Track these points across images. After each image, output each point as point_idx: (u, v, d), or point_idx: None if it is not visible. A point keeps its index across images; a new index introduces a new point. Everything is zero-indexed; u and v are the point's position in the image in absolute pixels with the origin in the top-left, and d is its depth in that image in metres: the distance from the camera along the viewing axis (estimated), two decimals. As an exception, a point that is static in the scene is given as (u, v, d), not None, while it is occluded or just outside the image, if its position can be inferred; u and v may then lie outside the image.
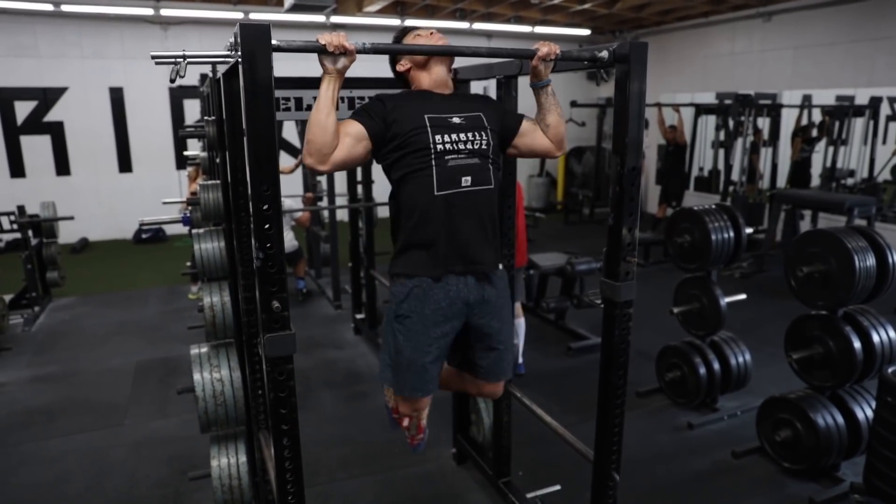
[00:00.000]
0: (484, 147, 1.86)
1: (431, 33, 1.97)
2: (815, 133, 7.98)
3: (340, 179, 5.93)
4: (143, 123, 8.94)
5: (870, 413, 2.94)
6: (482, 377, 2.07)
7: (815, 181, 8.37)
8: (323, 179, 6.52)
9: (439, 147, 1.80)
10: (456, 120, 1.85)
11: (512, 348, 2.07)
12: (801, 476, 3.08)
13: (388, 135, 1.81)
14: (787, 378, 3.35)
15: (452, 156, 1.81)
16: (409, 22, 9.02)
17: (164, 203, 4.20)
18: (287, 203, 5.79)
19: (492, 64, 2.43)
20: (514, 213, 2.65)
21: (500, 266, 2.00)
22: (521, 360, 4.21)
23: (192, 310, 5.62)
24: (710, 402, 3.75)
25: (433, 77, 1.94)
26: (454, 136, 1.82)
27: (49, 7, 7.65)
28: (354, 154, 1.78)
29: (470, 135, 1.85)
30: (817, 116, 8.35)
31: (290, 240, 5.78)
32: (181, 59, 1.45)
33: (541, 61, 1.79)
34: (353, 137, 1.77)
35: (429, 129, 1.81)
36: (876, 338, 2.93)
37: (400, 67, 2.00)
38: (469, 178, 1.82)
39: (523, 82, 2.12)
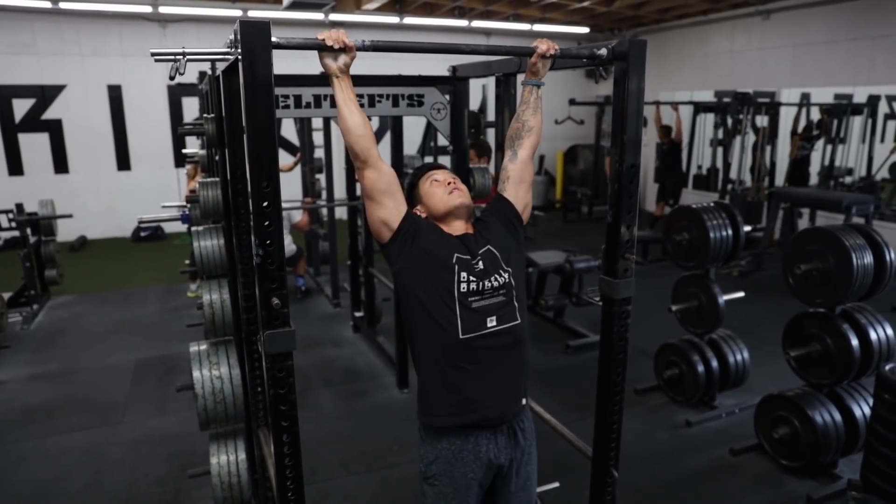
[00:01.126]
0: (506, 282, 1.76)
1: (449, 183, 1.85)
2: (815, 132, 7.99)
3: (339, 180, 5.93)
4: (142, 121, 8.93)
5: (867, 410, 2.95)
6: None
7: (815, 179, 8.38)
8: (321, 177, 6.53)
9: (463, 287, 1.70)
10: (480, 266, 1.74)
11: (535, 495, 1.94)
12: (799, 473, 3.09)
13: (414, 236, 1.73)
14: (785, 376, 3.36)
15: (476, 298, 1.71)
16: (408, 20, 9.01)
17: (164, 207, 4.20)
18: (285, 212, 5.77)
19: (491, 62, 2.43)
20: None
21: (524, 401, 1.85)
22: None
23: (191, 307, 5.63)
24: (709, 399, 3.76)
25: (451, 227, 1.83)
26: (476, 277, 1.72)
27: (47, 4, 7.64)
28: (388, 189, 1.71)
29: (492, 273, 1.74)
30: (816, 115, 8.35)
31: (288, 244, 5.75)
32: (181, 57, 1.45)
33: (540, 58, 1.78)
34: (399, 195, 1.73)
35: (455, 263, 1.72)
36: (873, 335, 2.94)
37: (417, 211, 1.86)
38: (494, 319, 1.72)
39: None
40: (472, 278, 1.71)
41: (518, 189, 1.89)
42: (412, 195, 1.92)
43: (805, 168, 8.02)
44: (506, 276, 1.76)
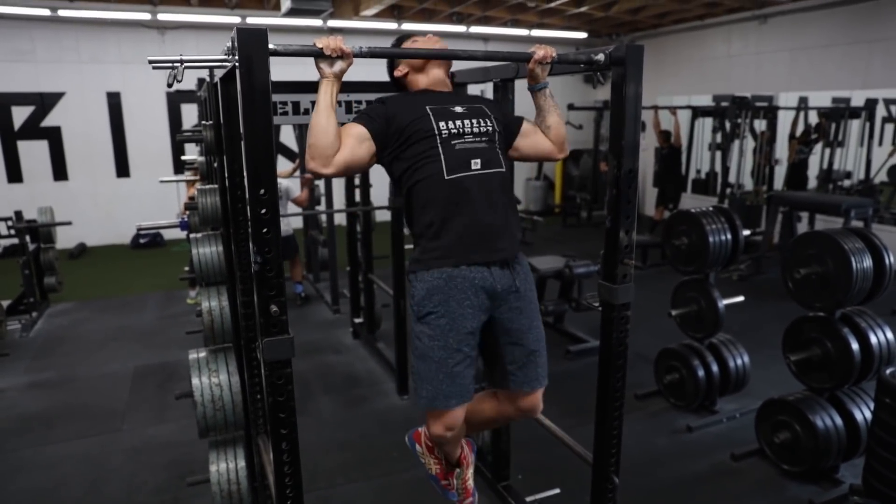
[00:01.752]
0: (490, 131, 1.82)
1: (429, 37, 1.95)
2: (814, 135, 8.00)
3: (338, 184, 5.93)
4: (141, 128, 8.94)
5: (868, 415, 2.94)
6: (516, 386, 1.86)
7: (813, 182, 8.39)
8: (321, 183, 6.53)
9: (444, 132, 1.76)
10: (458, 109, 1.82)
11: (545, 350, 1.89)
12: (801, 478, 3.08)
13: (390, 131, 1.77)
14: (785, 380, 3.36)
15: (458, 140, 1.76)
16: (406, 26, 9.04)
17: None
18: (284, 184, 5.73)
19: (489, 67, 2.43)
20: None
21: (519, 255, 1.87)
22: None
23: (190, 314, 5.62)
24: (709, 404, 3.75)
25: (431, 78, 1.92)
26: (458, 122, 1.78)
27: (46, 12, 7.66)
28: (358, 156, 1.74)
29: (474, 121, 1.81)
30: (814, 118, 8.37)
31: (284, 223, 5.58)
32: (178, 64, 1.46)
33: (537, 64, 1.79)
34: (356, 139, 1.74)
35: (431, 116, 1.77)
36: (874, 339, 2.94)
37: (397, 73, 1.97)
38: (479, 161, 1.76)
39: (520, 86, 2.13)
40: (451, 124, 1.77)
41: (528, 137, 1.96)
42: (393, 60, 1.98)
43: (803, 172, 8.04)
44: (489, 127, 1.82)
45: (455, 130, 1.77)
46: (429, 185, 1.74)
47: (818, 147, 8.19)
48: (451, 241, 1.74)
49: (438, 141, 1.75)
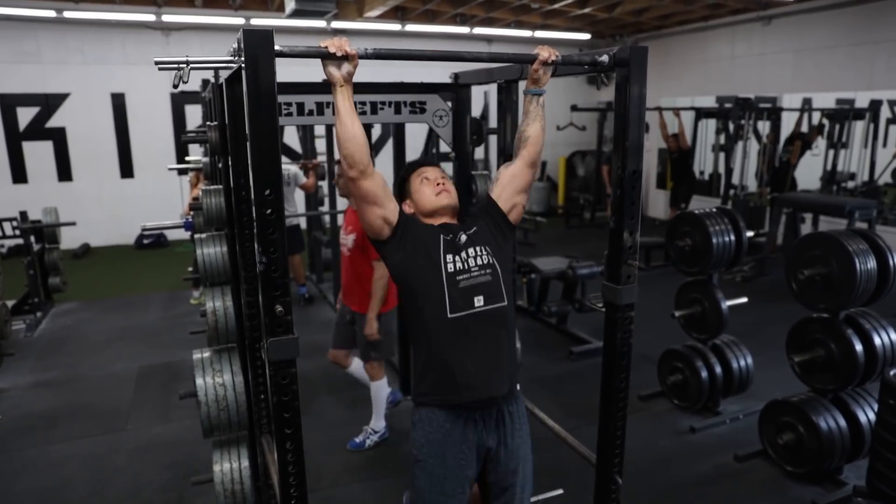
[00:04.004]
0: (492, 261, 1.85)
1: (439, 183, 1.95)
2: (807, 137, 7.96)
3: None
4: (145, 129, 8.97)
5: (872, 416, 2.94)
6: None
7: (809, 185, 8.35)
8: (324, 184, 6.54)
9: (450, 267, 1.80)
10: (463, 238, 1.86)
11: (531, 483, 1.99)
12: (804, 479, 3.07)
13: (407, 230, 1.83)
14: (789, 381, 3.35)
15: (463, 276, 1.80)
16: (410, 27, 9.05)
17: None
18: (292, 170, 5.73)
19: (492, 69, 2.44)
20: None
21: (518, 387, 1.95)
22: (367, 441, 3.49)
23: (194, 315, 5.63)
24: (713, 405, 3.74)
25: (438, 221, 1.93)
26: (463, 255, 1.82)
27: (51, 13, 7.69)
28: (385, 196, 1.78)
29: (478, 248, 1.84)
30: (815, 120, 8.35)
31: (290, 211, 5.60)
32: (184, 65, 1.46)
33: (541, 65, 1.79)
34: (385, 192, 1.78)
35: (441, 247, 1.82)
36: (878, 340, 2.93)
37: (405, 207, 1.96)
38: (482, 298, 1.80)
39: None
40: (457, 258, 1.81)
41: (504, 190, 1.95)
42: (402, 189, 2.00)
43: (788, 174, 7.96)
44: (489, 257, 1.85)
45: (461, 265, 1.81)
46: (431, 316, 1.79)
47: (822, 148, 8.16)
48: (453, 383, 1.79)
49: (444, 275, 1.79)
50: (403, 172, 2.04)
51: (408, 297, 1.86)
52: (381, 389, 3.47)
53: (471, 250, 1.83)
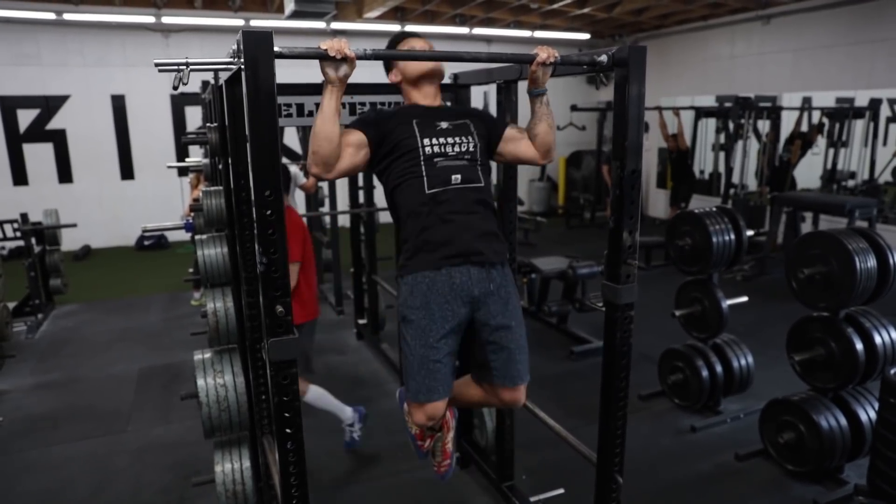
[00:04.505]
0: (471, 149, 1.92)
1: (425, 41, 2.02)
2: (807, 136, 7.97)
3: (342, 185, 5.94)
4: (145, 130, 8.98)
5: (873, 415, 2.94)
6: (497, 381, 1.96)
7: (806, 183, 8.35)
8: (325, 185, 6.54)
9: (427, 150, 1.87)
10: (443, 125, 1.93)
11: (526, 349, 1.98)
12: (805, 478, 3.07)
13: (382, 140, 1.88)
14: (789, 380, 3.35)
15: (440, 158, 1.87)
16: (410, 28, 9.05)
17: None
18: (292, 170, 5.74)
19: (492, 69, 2.44)
20: (513, 215, 2.64)
21: (503, 262, 1.97)
22: (353, 434, 3.42)
23: (195, 316, 5.63)
24: (713, 404, 3.74)
25: (422, 91, 2.01)
26: (441, 140, 1.89)
27: (51, 15, 7.70)
28: (357, 162, 1.86)
29: (457, 138, 1.91)
30: (817, 119, 8.35)
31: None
32: (184, 67, 1.47)
33: (540, 66, 1.79)
34: (355, 146, 1.85)
35: (417, 132, 1.89)
36: (878, 339, 2.94)
37: (391, 78, 2.05)
38: (458, 177, 1.88)
39: (524, 87, 2.14)
40: (434, 142, 1.88)
41: (507, 144, 2.03)
42: (388, 62, 2.04)
43: (787, 173, 7.96)
44: (471, 146, 1.92)
45: (438, 149, 1.88)
46: (411, 198, 1.87)
47: (822, 147, 8.16)
48: (432, 245, 1.86)
49: (422, 158, 1.87)
50: (391, 41, 2.08)
51: (392, 190, 1.92)
52: (315, 392, 3.32)
53: (451, 138, 1.90)
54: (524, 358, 1.98)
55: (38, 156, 8.55)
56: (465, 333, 1.96)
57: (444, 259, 1.84)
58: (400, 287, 1.94)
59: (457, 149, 1.89)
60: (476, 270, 1.87)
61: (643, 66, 1.70)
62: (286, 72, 1.79)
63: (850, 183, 8.44)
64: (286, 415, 1.54)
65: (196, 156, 6.17)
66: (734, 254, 3.60)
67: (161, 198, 8.84)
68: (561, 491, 2.72)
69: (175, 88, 1.49)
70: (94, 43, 8.49)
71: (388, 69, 2.05)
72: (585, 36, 10.33)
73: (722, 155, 8.49)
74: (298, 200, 6.29)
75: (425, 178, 1.85)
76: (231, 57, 1.53)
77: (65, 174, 8.74)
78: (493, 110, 2.69)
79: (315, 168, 1.75)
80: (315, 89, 2.44)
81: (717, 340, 3.74)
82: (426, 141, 1.87)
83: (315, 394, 3.33)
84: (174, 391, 4.14)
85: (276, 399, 1.53)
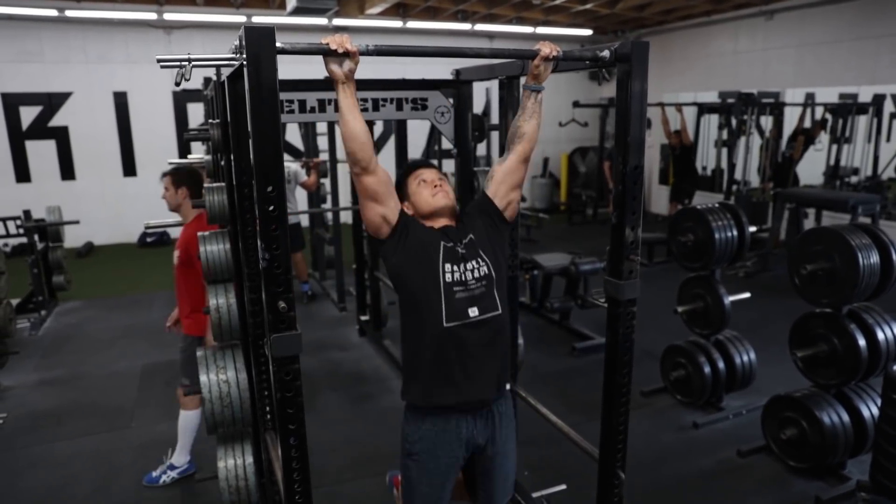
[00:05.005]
0: (487, 273, 1.86)
1: (436, 185, 1.93)
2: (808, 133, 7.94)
3: (344, 183, 5.94)
4: (148, 127, 8.98)
5: (875, 411, 2.94)
6: (482, 501, 2.09)
7: (811, 179, 8.33)
8: (326, 182, 6.54)
9: (448, 277, 1.81)
10: (461, 250, 1.86)
11: (513, 476, 2.09)
12: (807, 474, 3.08)
13: (404, 229, 1.83)
14: (792, 376, 3.35)
15: (460, 287, 1.81)
16: (412, 24, 9.04)
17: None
18: (292, 168, 5.73)
19: (494, 65, 2.44)
20: None
21: (507, 386, 2.01)
22: (164, 475, 3.14)
23: (198, 312, 5.64)
24: (715, 401, 3.75)
25: (437, 222, 1.92)
26: (461, 266, 1.83)
27: (54, 13, 7.71)
28: (387, 192, 1.80)
29: (473, 262, 1.85)
30: (820, 115, 8.33)
31: (290, 209, 5.57)
32: (186, 63, 1.47)
33: (542, 61, 1.78)
34: (389, 188, 1.81)
35: (441, 254, 1.83)
36: (881, 335, 2.93)
37: (404, 208, 1.94)
38: (476, 309, 1.81)
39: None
40: (455, 269, 1.82)
41: (499, 188, 1.96)
42: (399, 191, 1.99)
43: (791, 169, 7.94)
44: (485, 267, 1.87)
45: (458, 277, 1.82)
46: (427, 325, 1.81)
47: (825, 144, 8.14)
48: (443, 391, 1.83)
49: (442, 285, 1.80)
50: (400, 175, 2.05)
51: (405, 300, 1.88)
52: (191, 421, 3.15)
53: (469, 263, 1.84)
54: (510, 485, 2.09)
55: (41, 153, 8.56)
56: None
57: (453, 411, 1.86)
58: (406, 420, 1.93)
59: (476, 273, 1.84)
60: (482, 421, 1.91)
61: (646, 61, 1.69)
62: (288, 68, 1.79)
63: (854, 179, 8.42)
64: (289, 411, 1.55)
65: (198, 152, 6.17)
66: (736, 250, 3.60)
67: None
68: (563, 487, 2.72)
69: (177, 84, 1.49)
70: (96, 40, 8.49)
71: (401, 198, 1.95)
72: (588, 32, 10.30)
73: (724, 151, 8.47)
74: (300, 198, 6.29)
75: (444, 308, 1.79)
76: (233, 53, 1.52)
77: (67, 171, 8.76)
78: (494, 107, 2.68)
79: (355, 168, 1.71)
80: (317, 85, 2.44)
81: (720, 337, 3.74)
82: (447, 266, 1.82)
83: (190, 417, 3.15)
84: (177, 388, 4.15)
85: (278, 395, 1.53)
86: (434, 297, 1.79)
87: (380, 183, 1.76)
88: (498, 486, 2.03)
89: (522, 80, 2.12)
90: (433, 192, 1.93)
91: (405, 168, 2.06)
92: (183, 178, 3.31)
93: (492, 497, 2.05)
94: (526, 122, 1.91)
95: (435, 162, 7.26)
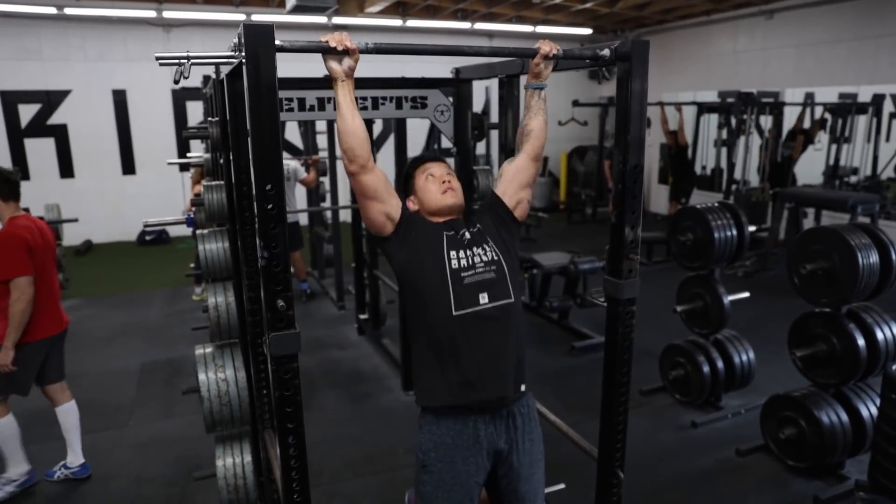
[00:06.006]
0: (496, 258, 1.81)
1: (445, 181, 1.89)
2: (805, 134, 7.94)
3: (343, 181, 5.94)
4: (146, 126, 8.97)
5: (874, 410, 2.94)
6: None
7: (809, 179, 8.33)
8: (326, 181, 6.54)
9: (454, 263, 1.76)
10: (467, 235, 1.83)
11: (542, 494, 1.92)
12: (806, 474, 3.08)
13: (409, 225, 1.81)
14: (790, 376, 3.35)
15: (468, 272, 1.76)
16: (411, 23, 9.03)
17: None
18: (292, 165, 5.73)
19: (493, 63, 2.44)
20: None
21: (524, 387, 1.87)
22: (5, 488, 3.05)
23: (196, 311, 5.64)
24: (714, 400, 3.75)
25: (444, 218, 1.89)
26: (468, 252, 1.79)
27: (52, 10, 7.69)
28: (387, 191, 1.76)
29: (481, 249, 1.82)
30: (820, 115, 8.33)
31: (289, 207, 5.57)
32: (185, 61, 1.46)
33: (542, 60, 1.78)
34: (388, 185, 1.77)
35: (445, 242, 1.80)
36: (880, 335, 2.93)
37: (409, 204, 1.93)
38: (486, 295, 1.76)
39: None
40: (461, 255, 1.78)
41: (508, 186, 1.94)
42: (407, 185, 1.97)
43: (788, 169, 7.94)
44: (494, 253, 1.82)
45: (465, 262, 1.77)
46: (436, 318, 1.75)
47: (824, 143, 8.14)
48: (457, 387, 1.75)
49: (448, 273, 1.75)
50: (408, 168, 2.00)
51: (411, 296, 1.82)
52: (6, 428, 3.07)
53: (475, 248, 1.80)
54: (541, 502, 1.93)
55: (40, 151, 8.55)
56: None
57: (469, 412, 1.76)
58: (421, 427, 1.84)
59: (484, 258, 1.79)
60: (502, 423, 1.80)
61: (646, 60, 1.69)
62: (287, 66, 1.78)
63: (853, 179, 8.42)
64: (287, 409, 1.54)
65: (197, 150, 6.16)
66: (736, 249, 3.60)
67: (162, 193, 8.85)
68: (562, 486, 2.72)
69: (176, 82, 1.48)
70: (95, 38, 8.48)
71: (405, 196, 1.94)
72: (587, 31, 10.30)
73: (724, 150, 8.47)
74: (299, 195, 6.29)
75: (452, 296, 1.73)
76: (232, 51, 1.52)
77: (66, 169, 8.74)
78: (494, 105, 2.68)
79: (352, 166, 1.67)
80: (317, 84, 2.44)
81: (719, 336, 3.74)
82: (452, 253, 1.77)
83: (3, 424, 3.05)
84: (176, 386, 4.15)
85: (277, 393, 1.53)
86: (441, 285, 1.74)
87: (379, 181, 1.74)
88: (527, 500, 1.88)
89: (523, 79, 2.12)
90: (442, 189, 1.88)
91: (412, 161, 2.01)
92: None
93: None
94: (531, 120, 1.89)
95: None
